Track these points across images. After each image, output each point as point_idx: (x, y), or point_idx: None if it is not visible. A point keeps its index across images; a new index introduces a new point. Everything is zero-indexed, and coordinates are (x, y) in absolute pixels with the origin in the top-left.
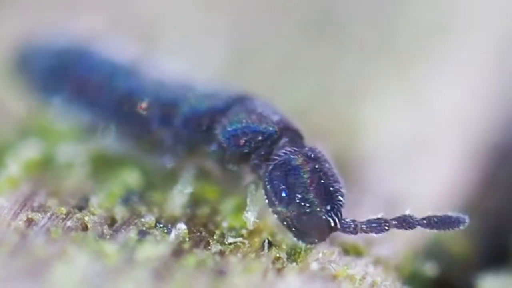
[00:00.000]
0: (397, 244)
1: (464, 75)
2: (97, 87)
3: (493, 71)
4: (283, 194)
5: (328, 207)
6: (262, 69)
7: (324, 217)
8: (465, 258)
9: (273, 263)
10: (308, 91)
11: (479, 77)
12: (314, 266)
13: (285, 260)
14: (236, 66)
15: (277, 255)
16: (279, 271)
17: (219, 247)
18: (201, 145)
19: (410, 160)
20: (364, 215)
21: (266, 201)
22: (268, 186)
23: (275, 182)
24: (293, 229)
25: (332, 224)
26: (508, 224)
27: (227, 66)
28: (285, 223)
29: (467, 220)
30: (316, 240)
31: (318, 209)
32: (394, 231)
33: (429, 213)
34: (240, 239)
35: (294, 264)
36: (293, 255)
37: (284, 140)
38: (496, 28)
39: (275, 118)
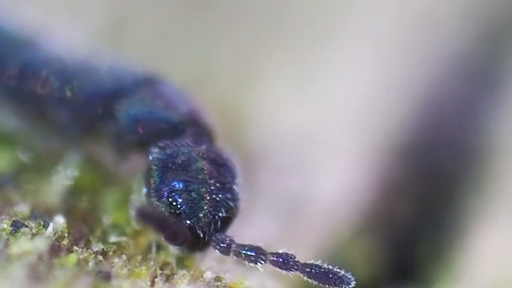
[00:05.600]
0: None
1: (366, 61)
2: None
3: (398, 61)
4: (157, 186)
5: (201, 215)
6: (139, 39)
7: (192, 224)
8: (371, 273)
9: (162, 268)
10: (189, 69)
11: (382, 68)
12: (208, 275)
13: (174, 266)
14: (112, 33)
15: (166, 259)
16: (168, 277)
17: (101, 246)
18: (99, 127)
19: (305, 157)
20: (253, 219)
21: (143, 190)
22: (146, 172)
23: (154, 170)
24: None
25: (200, 236)
26: (413, 234)
27: (103, 32)
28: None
29: (352, 283)
30: (180, 244)
31: (186, 213)
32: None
33: (314, 261)
34: (124, 238)
35: (185, 271)
36: (183, 260)
37: (188, 134)
38: (401, 12)
39: (184, 108)
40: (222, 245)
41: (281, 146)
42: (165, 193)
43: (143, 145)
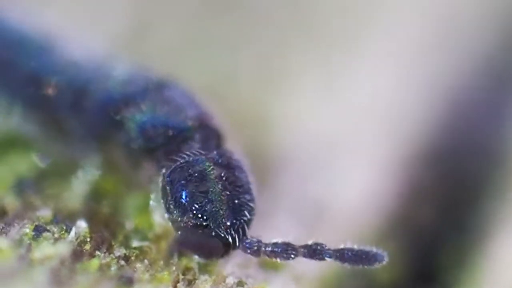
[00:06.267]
0: None
1: (391, 66)
2: (1, 61)
3: (422, 65)
4: (178, 202)
5: (228, 223)
6: (161, 44)
7: (222, 234)
8: (394, 277)
9: (184, 273)
10: (212, 74)
11: (406, 70)
12: (230, 280)
13: (196, 271)
14: (134, 39)
15: (188, 264)
16: (191, 282)
17: (123, 251)
18: (110, 135)
19: (329, 161)
20: (277, 224)
21: (162, 205)
22: (163, 190)
23: (172, 186)
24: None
25: (230, 242)
26: (436, 240)
27: (124, 37)
28: (179, 233)
29: (385, 258)
30: (213, 258)
31: (214, 224)
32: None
33: (343, 245)
34: (146, 243)
35: (207, 276)
36: (205, 265)
37: (197, 138)
38: (426, 16)
39: (192, 112)
40: (252, 247)
41: (305, 150)
42: (189, 208)
43: (154, 151)
